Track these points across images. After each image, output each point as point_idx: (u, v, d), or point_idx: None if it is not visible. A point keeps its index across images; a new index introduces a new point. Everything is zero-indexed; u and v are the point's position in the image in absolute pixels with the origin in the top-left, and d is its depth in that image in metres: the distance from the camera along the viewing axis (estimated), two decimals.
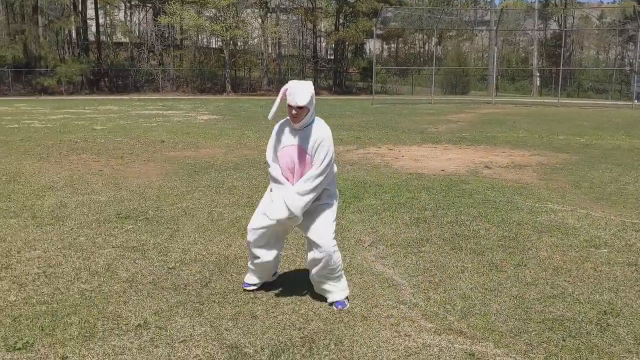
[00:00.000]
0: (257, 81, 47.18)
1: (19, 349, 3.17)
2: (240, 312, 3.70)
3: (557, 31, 53.65)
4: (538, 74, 50.61)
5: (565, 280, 4.31)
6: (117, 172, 8.80)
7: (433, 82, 34.97)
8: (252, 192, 7.41)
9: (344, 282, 3.83)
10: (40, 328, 3.42)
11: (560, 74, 34.08)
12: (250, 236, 3.87)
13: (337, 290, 3.79)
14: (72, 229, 5.58)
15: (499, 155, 11.14)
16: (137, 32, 52.65)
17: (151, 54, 46.37)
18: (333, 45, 50.81)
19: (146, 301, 3.86)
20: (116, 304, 3.81)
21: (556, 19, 59.80)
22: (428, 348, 3.23)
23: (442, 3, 59.71)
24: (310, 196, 3.65)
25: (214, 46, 54.23)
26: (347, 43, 49.25)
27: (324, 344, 3.27)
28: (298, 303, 3.84)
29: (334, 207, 3.80)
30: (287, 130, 3.76)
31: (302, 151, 3.66)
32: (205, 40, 55.42)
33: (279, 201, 3.67)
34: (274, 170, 3.77)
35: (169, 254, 4.87)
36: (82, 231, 5.53)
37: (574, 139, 14.04)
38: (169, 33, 46.32)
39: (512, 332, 3.44)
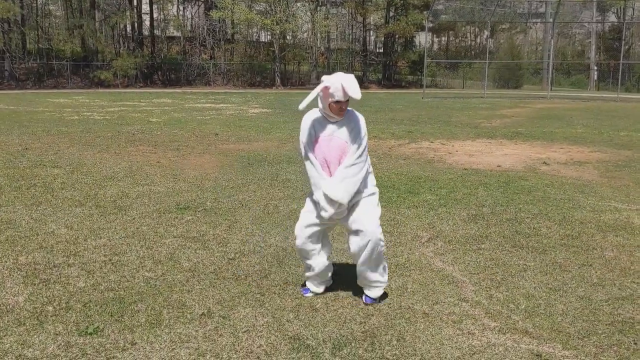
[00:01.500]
0: (306, 75, 47.35)
1: (90, 333, 3.28)
2: (300, 304, 3.72)
3: (615, 23, 51.58)
4: (595, 68, 48.89)
5: (634, 282, 4.15)
6: (174, 164, 9.00)
7: (486, 75, 34.27)
8: (306, 185, 7.43)
9: (387, 276, 3.80)
10: (110, 314, 3.54)
11: (621, 68, 32.82)
12: (299, 241, 3.78)
13: (380, 284, 3.75)
14: (134, 219, 5.74)
15: (556, 152, 10.83)
16: (189, 26, 53.64)
17: (203, 48, 47.17)
18: (383, 38, 50.43)
19: (209, 290, 3.93)
20: (180, 293, 3.89)
21: (615, 11, 57.50)
22: (493, 347, 3.17)
23: None
24: (353, 180, 3.57)
25: (263, 40, 54.69)
26: (397, 36, 48.81)
27: (385, 339, 3.26)
28: (357, 297, 3.84)
29: (376, 196, 3.76)
30: (319, 122, 3.67)
31: (341, 141, 3.61)
32: (255, 34, 55.95)
33: (322, 198, 3.58)
34: (314, 166, 3.65)
35: (228, 244, 4.94)
36: (143, 221, 5.68)
37: (637, 136, 13.50)
38: (220, 27, 46.98)
39: (580, 333, 3.34)
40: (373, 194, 3.76)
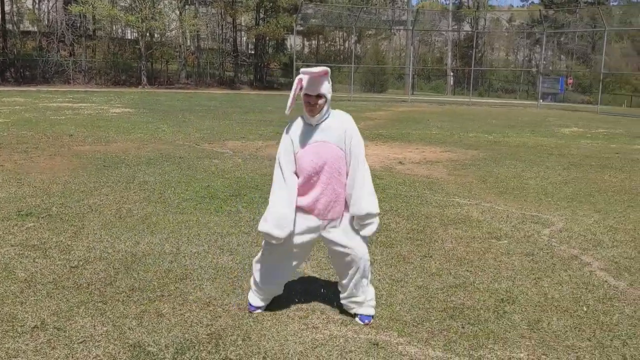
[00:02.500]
0: (175, 74, 46.02)
1: None
2: (145, 311, 3.60)
3: (469, 32, 55.89)
4: (452, 74, 52.55)
5: (467, 270, 4.51)
6: (20, 167, 8.32)
7: (352, 79, 35.49)
8: (164, 187, 7.22)
9: (372, 295, 3.58)
10: None
11: (472, 74, 35.55)
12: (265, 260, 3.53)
13: (366, 301, 3.54)
14: None
15: (412, 152, 11.47)
16: (46, 20, 49.89)
17: (61, 44, 44.07)
18: (254, 39, 50.40)
19: (45, 301, 3.67)
20: (12, 305, 3.60)
21: (469, 21, 62.31)
22: (334, 339, 3.28)
23: (361, 2, 60.69)
24: (371, 186, 3.38)
25: (129, 37, 52.33)
26: (267, 38, 49.02)
27: (231, 340, 3.25)
28: (207, 300, 3.79)
29: None
30: (302, 129, 3.39)
31: (332, 146, 3.33)
32: (120, 31, 53.37)
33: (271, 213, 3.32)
34: (285, 182, 3.38)
35: (72, 252, 4.66)
36: None
37: (483, 137, 14.70)
38: (80, 22, 44.21)
39: (415, 320, 3.55)
40: None
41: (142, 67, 42.36)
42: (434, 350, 3.18)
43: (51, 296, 3.76)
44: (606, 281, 4.33)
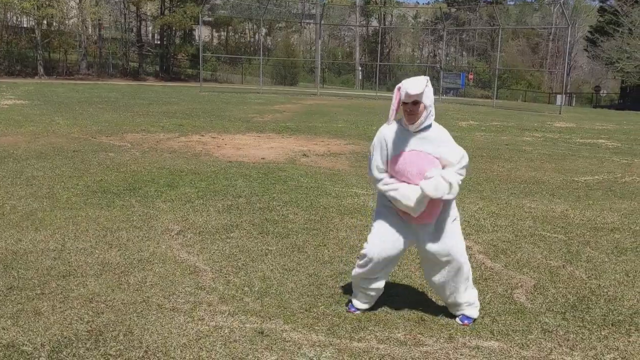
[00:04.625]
0: (75, 64, 43.81)
1: None
2: (22, 310, 3.44)
3: (377, 28, 57.21)
4: (360, 68, 53.62)
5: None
6: None
7: (261, 72, 35.38)
8: (54, 182, 6.89)
9: (475, 295, 3.55)
10: None
11: (378, 69, 36.45)
12: (370, 267, 3.46)
13: (471, 303, 3.52)
14: None
15: (317, 144, 11.62)
16: None
17: None
18: (159, 29, 48.95)
19: None
20: None
21: (377, 16, 63.78)
22: (219, 330, 3.29)
23: None
24: (459, 179, 3.26)
25: (25, 25, 49.17)
26: (174, 28, 47.77)
27: (112, 336, 3.18)
28: (90, 297, 3.68)
29: (458, 222, 3.50)
30: (398, 135, 3.32)
31: (426, 156, 3.27)
32: (15, 18, 50.03)
33: (436, 178, 3.21)
34: (389, 181, 3.34)
35: None
36: None
37: None
38: None
39: (303, 307, 3.63)
40: (456, 219, 3.48)
41: (39, 57, 40.01)
42: (317, 335, 3.27)
43: None
44: (483, 263, 4.62)
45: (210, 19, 54.32)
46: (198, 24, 39.90)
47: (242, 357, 3.01)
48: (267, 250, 4.77)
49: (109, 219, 5.44)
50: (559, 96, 36.81)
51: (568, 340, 3.34)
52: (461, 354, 3.12)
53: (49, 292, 3.71)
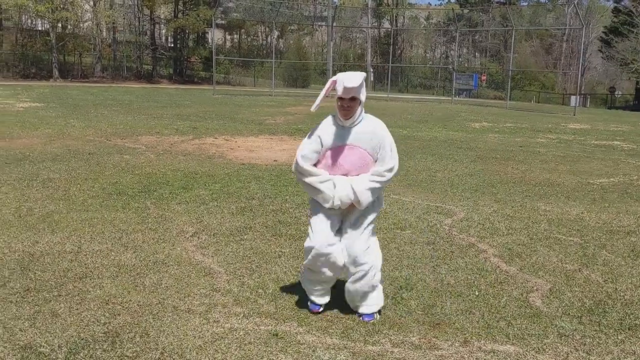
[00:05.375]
0: (89, 67, 44.19)
1: None
2: (39, 311, 3.48)
3: (388, 29, 57.13)
4: (372, 70, 53.56)
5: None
6: None
7: (273, 74, 35.45)
8: (69, 184, 6.96)
9: (379, 292, 3.56)
10: None
11: (390, 70, 36.38)
12: (317, 245, 3.46)
13: (369, 302, 3.54)
14: None
15: None
16: None
17: None
18: (172, 32, 49.26)
19: None
20: None
21: (388, 18, 63.68)
22: (234, 332, 3.31)
23: None
24: (378, 186, 3.37)
25: (40, 28, 49.71)
26: (187, 31, 48.05)
27: (128, 337, 3.20)
28: (106, 298, 3.71)
29: (375, 216, 3.57)
30: (334, 129, 3.39)
31: (360, 151, 3.35)
32: (30, 21, 50.60)
33: (345, 183, 3.33)
34: (314, 170, 3.40)
35: None
36: None
37: (398, 131, 15.11)
38: None
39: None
40: (376, 211, 3.58)
41: (54, 60, 40.42)
42: (331, 338, 3.28)
43: None
44: (498, 267, 4.60)
45: (223, 22, 54.57)
46: (211, 27, 40.09)
47: (256, 359, 3.02)
48: (280, 253, 4.78)
49: (124, 221, 5.49)
50: (573, 97, 36.54)
51: (584, 344, 3.32)
52: (476, 358, 3.10)
53: (66, 294, 3.75)
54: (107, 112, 16.79)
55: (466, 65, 65.79)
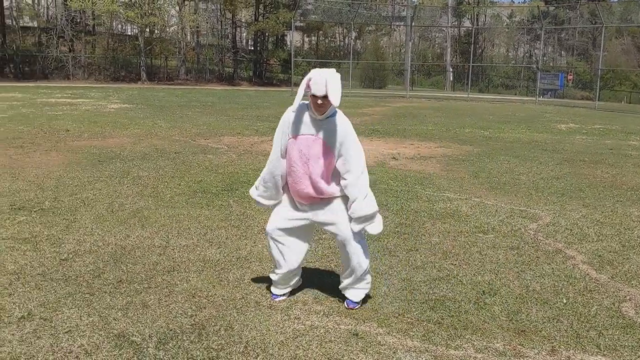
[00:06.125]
0: (174, 70, 46.04)
1: None
2: (131, 302, 3.66)
3: (469, 28, 55.81)
4: (451, 70, 52.53)
5: (452, 264, 4.56)
6: (15, 162, 8.38)
7: (350, 75, 35.52)
8: (157, 182, 7.28)
9: (367, 282, 3.70)
10: None
11: (470, 70, 35.54)
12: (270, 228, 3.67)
13: (356, 288, 3.69)
14: None
15: (406, 147, 11.52)
16: (45, 16, 49.91)
17: (61, 39, 44.09)
18: (253, 35, 50.42)
19: (33, 293, 3.74)
20: (0, 297, 3.66)
21: (469, 17, 62.22)
22: (315, 329, 3.34)
23: None
24: (368, 188, 3.56)
25: (129, 33, 52.36)
26: (267, 34, 49.03)
27: (214, 330, 3.31)
28: (193, 292, 3.85)
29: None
30: (305, 118, 3.47)
31: (325, 145, 3.45)
32: (120, 26, 53.41)
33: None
34: (271, 173, 3.63)
35: (63, 245, 4.72)
36: None
37: (479, 132, 14.74)
38: (80, 18, 44.25)
39: (396, 312, 3.62)
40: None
41: (142, 63, 42.43)
42: (412, 340, 3.24)
43: (39, 288, 3.83)
44: (588, 274, 4.39)
45: (302, 24, 55.30)
46: (290, 29, 40.74)
47: (337, 357, 3.04)
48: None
49: (208, 217, 5.68)
50: None
51: None
52: None
53: (155, 286, 3.92)
54: (191, 113, 17.42)
55: (551, 64, 63.15)
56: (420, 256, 4.73)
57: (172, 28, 47.76)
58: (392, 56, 64.85)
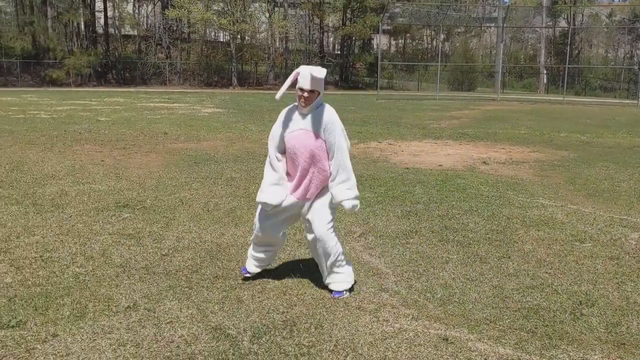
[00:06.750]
0: (264, 75, 47.31)
1: (12, 326, 3.32)
2: (227, 297, 3.84)
3: (565, 29, 53.35)
4: (545, 72, 50.44)
5: (546, 272, 4.42)
6: (119, 163, 8.96)
7: (438, 78, 34.98)
8: (249, 183, 7.54)
9: (345, 274, 3.90)
10: (34, 308, 3.58)
11: (566, 72, 33.98)
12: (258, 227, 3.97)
13: (335, 280, 3.90)
14: (70, 217, 5.74)
15: (498, 152, 11.21)
16: (145, 24, 52.87)
17: (159, 47, 46.57)
18: (340, 40, 50.82)
19: (137, 285, 4.00)
20: (108, 287, 3.95)
21: (565, 17, 59.48)
22: (404, 332, 3.36)
23: None
24: (353, 177, 3.80)
25: (221, 40, 54.37)
26: (354, 38, 49.27)
27: (304, 327, 3.41)
28: (284, 289, 3.98)
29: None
30: (294, 115, 3.82)
31: (313, 135, 3.73)
32: (213, 34, 55.57)
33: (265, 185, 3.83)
34: (271, 163, 3.89)
35: (163, 241, 5.01)
36: (80, 218, 5.68)
37: (575, 137, 14.09)
38: (176, 26, 46.51)
39: (488, 319, 3.56)
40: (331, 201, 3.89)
41: (233, 69, 43.94)
42: (504, 348, 3.18)
43: (143, 280, 4.09)
44: None
45: (389, 27, 55.11)
46: (377, 33, 40.72)
47: None
48: (447, 258, 4.73)
49: None
50: None
51: None
52: None
53: (249, 283, 4.08)
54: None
55: None
56: (513, 264, 4.61)
57: (262, 34, 49.11)
58: (482, 58, 63.18)
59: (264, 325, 3.43)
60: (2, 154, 9.53)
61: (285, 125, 3.83)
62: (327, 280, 3.93)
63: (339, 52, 54.14)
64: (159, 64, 45.21)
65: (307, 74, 3.63)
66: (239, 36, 45.17)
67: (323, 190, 3.87)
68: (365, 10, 46.35)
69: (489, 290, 4.03)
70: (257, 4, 47.24)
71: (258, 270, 4.13)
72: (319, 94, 3.74)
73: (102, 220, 5.65)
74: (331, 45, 59.18)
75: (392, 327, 3.43)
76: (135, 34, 49.84)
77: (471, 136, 13.89)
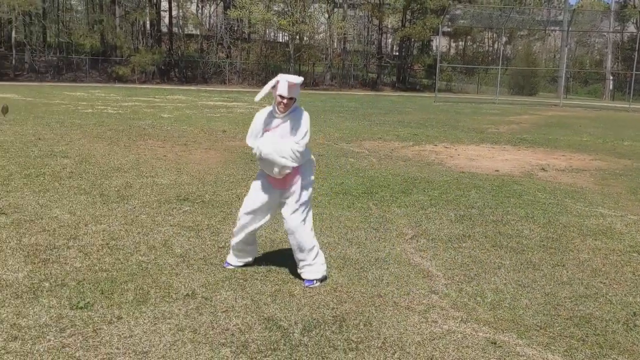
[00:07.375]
0: (320, 76, 47.60)
1: (81, 307, 3.56)
2: (279, 290, 3.97)
3: (634, 34, 51.20)
4: (611, 78, 48.59)
5: (601, 282, 4.35)
6: (180, 158, 9.30)
7: (499, 81, 34.29)
8: None
9: (317, 264, 4.12)
10: (101, 291, 3.82)
11: (633, 78, 32.68)
12: (242, 220, 4.27)
13: (307, 270, 4.14)
14: (135, 208, 6.03)
15: (557, 159, 10.97)
16: (207, 24, 54.16)
17: (220, 46, 47.63)
18: (398, 41, 50.54)
19: (196, 274, 4.20)
20: (169, 275, 4.16)
21: (634, 21, 57.09)
22: (452, 334, 3.40)
23: (514, 1, 58.10)
24: (285, 149, 3.99)
25: (280, 40, 55.06)
26: (413, 40, 48.90)
27: (353, 324, 3.50)
28: (334, 286, 4.08)
29: (309, 192, 4.22)
30: (270, 116, 4.12)
31: (287, 133, 4.04)
32: (272, 34, 56.34)
33: (286, 145, 4.01)
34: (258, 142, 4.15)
35: (220, 234, 5.21)
36: (143, 210, 5.96)
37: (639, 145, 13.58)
38: (237, 26, 47.44)
39: (538, 325, 3.55)
40: (309, 188, 4.21)
41: (291, 69, 44.39)
42: (553, 355, 3.18)
43: (201, 270, 4.28)
44: None
45: (449, 29, 54.37)
46: (437, 34, 40.29)
47: None
48: (500, 264, 4.72)
49: (349, 218, 5.92)
50: None
51: None
52: None
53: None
54: (334, 118, 18.00)
55: None
56: (567, 272, 4.56)
57: (320, 35, 49.43)
58: (545, 62, 61.43)
59: (314, 319, 3.54)
60: (72, 147, 10.05)
61: (263, 123, 4.12)
62: (300, 270, 4.16)
63: (397, 54, 53.86)
64: (219, 63, 46.24)
65: (286, 83, 3.88)
66: (297, 37, 45.63)
67: (295, 185, 4.10)
68: (426, 12, 45.95)
69: (540, 297, 4.01)
70: (316, 5, 47.61)
71: (241, 263, 4.38)
72: (295, 100, 4.04)
73: (164, 212, 5.91)
74: (389, 47, 58.92)
75: (441, 328, 3.48)
76: (198, 33, 51.12)
77: (530, 142, 13.61)
